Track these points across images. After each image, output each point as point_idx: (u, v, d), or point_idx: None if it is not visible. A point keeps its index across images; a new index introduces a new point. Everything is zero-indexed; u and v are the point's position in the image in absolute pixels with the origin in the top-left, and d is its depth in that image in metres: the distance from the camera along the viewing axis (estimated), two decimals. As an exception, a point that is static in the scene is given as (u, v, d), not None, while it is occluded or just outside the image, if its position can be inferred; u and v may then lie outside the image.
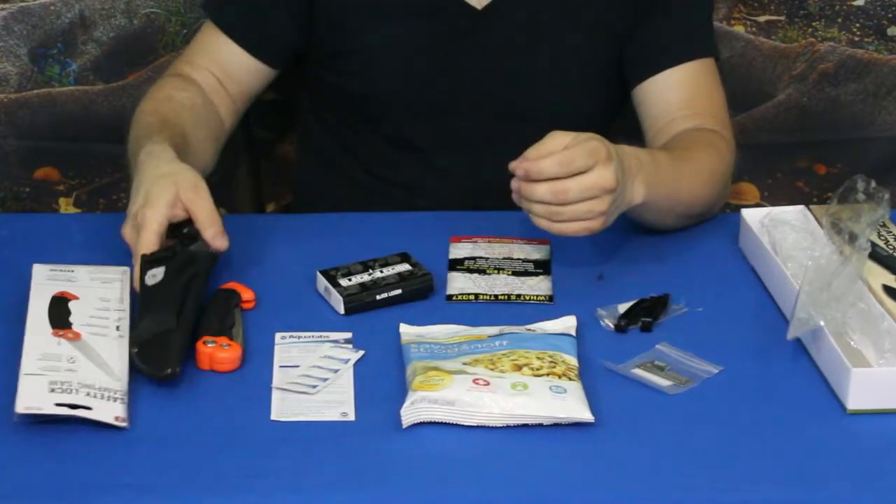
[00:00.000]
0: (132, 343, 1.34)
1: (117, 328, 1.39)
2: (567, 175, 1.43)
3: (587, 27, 1.78)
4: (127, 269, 1.49)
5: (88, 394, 1.27)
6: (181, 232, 1.48)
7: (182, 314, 1.36)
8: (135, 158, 1.58)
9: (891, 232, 1.58)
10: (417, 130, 1.80)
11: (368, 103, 1.80)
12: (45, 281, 1.47)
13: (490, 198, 1.67)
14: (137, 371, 1.32)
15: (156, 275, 1.41)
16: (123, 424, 1.25)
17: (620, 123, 1.86)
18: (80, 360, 1.32)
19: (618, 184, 1.45)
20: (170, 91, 1.72)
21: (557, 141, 1.44)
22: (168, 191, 1.46)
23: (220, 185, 2.18)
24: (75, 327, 1.38)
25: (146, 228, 1.45)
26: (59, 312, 1.40)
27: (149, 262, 1.43)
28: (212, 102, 1.75)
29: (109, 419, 1.25)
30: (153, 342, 1.33)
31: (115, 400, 1.27)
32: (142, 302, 1.40)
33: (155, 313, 1.36)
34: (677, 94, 1.75)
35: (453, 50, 1.76)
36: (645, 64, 1.77)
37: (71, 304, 1.42)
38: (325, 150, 1.88)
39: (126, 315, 1.41)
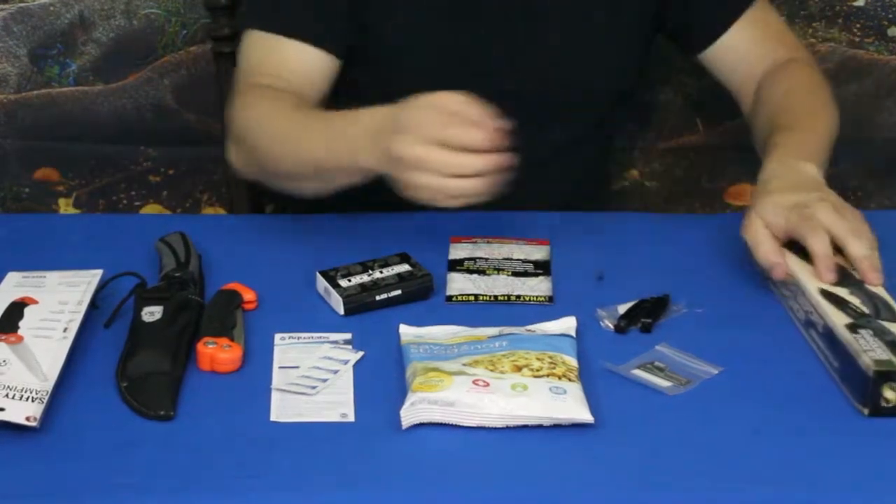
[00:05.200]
0: (122, 377, 1.33)
1: (64, 329, 1.39)
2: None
3: (619, 4, 1.78)
4: (99, 271, 1.48)
5: (7, 395, 1.26)
6: (174, 277, 1.48)
7: (176, 358, 1.36)
8: (327, 135, 1.55)
9: None
10: None
11: (391, 94, 1.77)
12: (11, 288, 1.47)
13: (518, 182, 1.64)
14: (128, 406, 1.31)
15: (153, 313, 1.41)
16: (34, 424, 1.24)
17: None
18: (12, 363, 1.32)
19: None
20: (270, 101, 1.65)
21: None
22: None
23: (220, 185, 2.19)
24: (22, 331, 1.38)
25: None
26: (11, 317, 1.41)
27: (146, 298, 1.44)
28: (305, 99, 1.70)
29: (20, 419, 1.24)
30: (144, 380, 1.32)
31: (34, 400, 1.26)
32: (135, 337, 1.39)
33: (149, 352, 1.35)
34: (750, 41, 1.83)
35: (488, 44, 1.75)
36: (711, 27, 1.82)
37: (27, 309, 1.42)
38: None
39: (79, 317, 1.41)
